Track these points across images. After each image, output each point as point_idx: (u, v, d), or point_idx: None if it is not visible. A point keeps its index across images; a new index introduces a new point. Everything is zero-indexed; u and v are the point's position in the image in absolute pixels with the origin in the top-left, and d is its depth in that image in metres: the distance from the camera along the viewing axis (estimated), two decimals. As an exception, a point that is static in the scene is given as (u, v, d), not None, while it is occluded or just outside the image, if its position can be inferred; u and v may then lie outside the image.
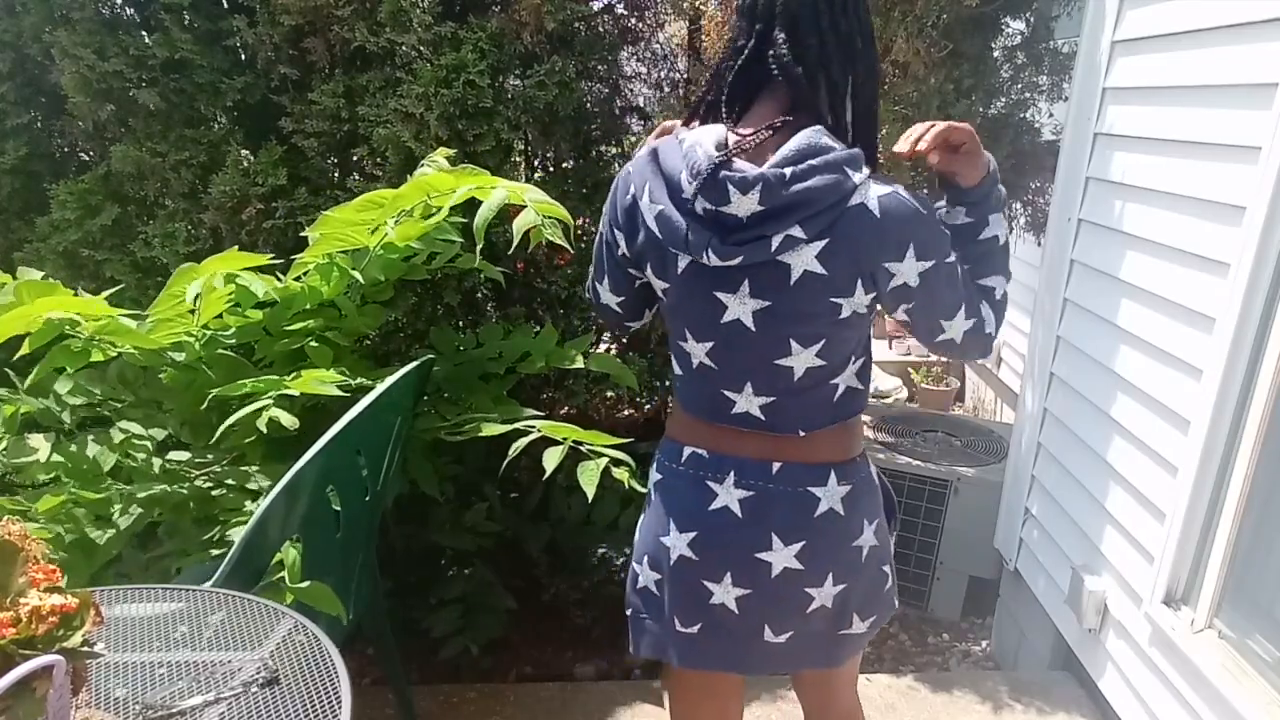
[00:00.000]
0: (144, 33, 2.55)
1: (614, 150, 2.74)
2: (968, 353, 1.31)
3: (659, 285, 1.28)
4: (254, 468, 1.80)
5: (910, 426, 3.33)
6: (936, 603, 3.06)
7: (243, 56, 2.59)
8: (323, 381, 1.69)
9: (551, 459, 1.75)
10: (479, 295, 2.71)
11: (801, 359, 1.22)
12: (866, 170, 1.16)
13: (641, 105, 2.92)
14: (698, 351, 1.27)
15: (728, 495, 1.27)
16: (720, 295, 1.21)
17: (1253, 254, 1.71)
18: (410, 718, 2.25)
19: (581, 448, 1.81)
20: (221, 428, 1.64)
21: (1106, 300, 2.26)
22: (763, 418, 1.26)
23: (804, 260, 1.15)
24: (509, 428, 1.85)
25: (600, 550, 2.87)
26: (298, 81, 2.55)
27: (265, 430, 1.62)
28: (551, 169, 2.84)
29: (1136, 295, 2.13)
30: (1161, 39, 2.06)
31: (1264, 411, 1.75)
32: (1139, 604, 2.07)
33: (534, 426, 1.84)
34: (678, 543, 1.30)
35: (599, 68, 2.65)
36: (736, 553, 1.28)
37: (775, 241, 1.13)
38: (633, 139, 2.60)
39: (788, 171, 1.12)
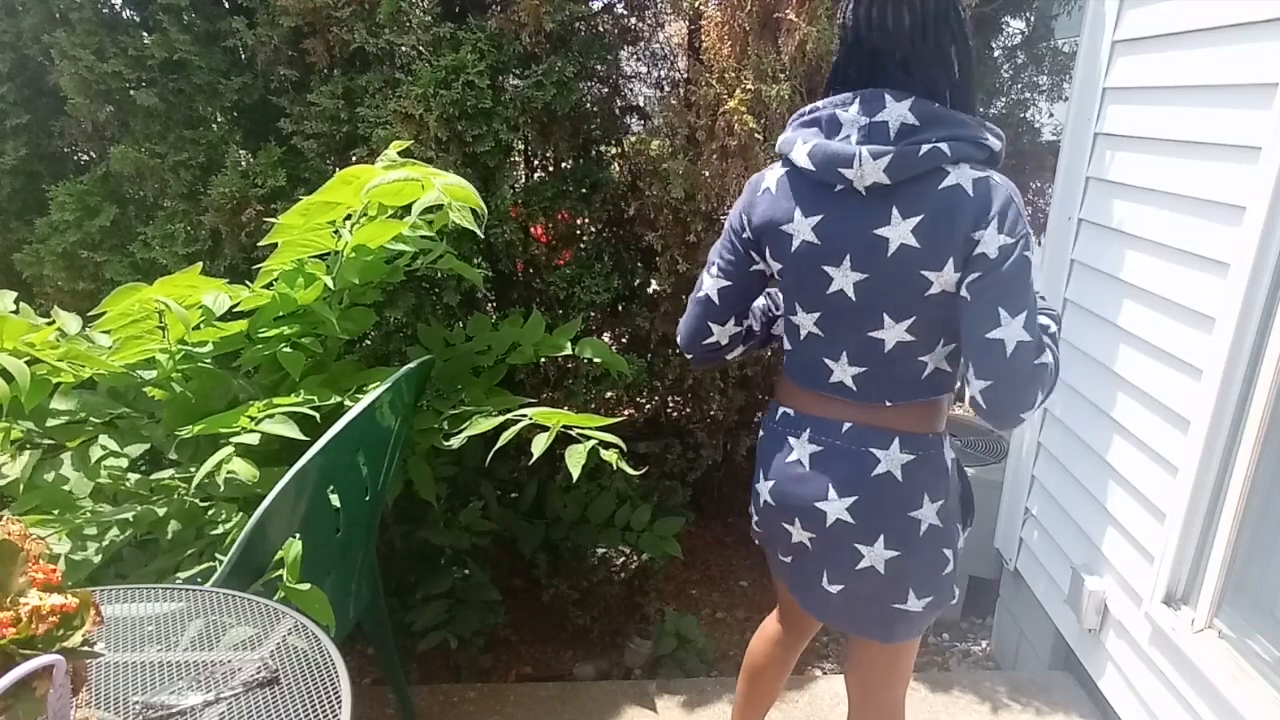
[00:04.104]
0: (143, 33, 2.55)
1: (613, 150, 2.74)
2: (1011, 384, 1.23)
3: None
4: (234, 474, 1.78)
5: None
6: (936, 603, 3.06)
7: (242, 57, 2.59)
8: (284, 419, 1.66)
9: (539, 444, 1.74)
10: (479, 295, 2.71)
11: (893, 333, 1.32)
12: None
13: (641, 105, 2.92)
14: (806, 323, 1.39)
15: (801, 449, 1.42)
16: (826, 269, 1.32)
17: (1253, 254, 1.71)
18: (410, 718, 2.25)
19: (572, 432, 1.80)
20: (197, 478, 1.61)
21: (1107, 300, 2.26)
22: (854, 387, 1.37)
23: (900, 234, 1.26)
24: (501, 419, 1.85)
25: (600, 550, 2.87)
26: (297, 82, 2.55)
27: (223, 487, 1.61)
28: (551, 169, 2.84)
29: (1137, 295, 2.13)
30: (1161, 39, 2.06)
31: (1264, 411, 1.75)
32: (1139, 604, 2.07)
33: (525, 415, 1.84)
34: (763, 489, 1.49)
35: (598, 67, 2.65)
36: (801, 501, 1.42)
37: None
38: (632, 139, 2.60)
39: None
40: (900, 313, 1.30)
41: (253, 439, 1.63)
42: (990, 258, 1.21)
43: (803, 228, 1.32)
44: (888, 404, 1.37)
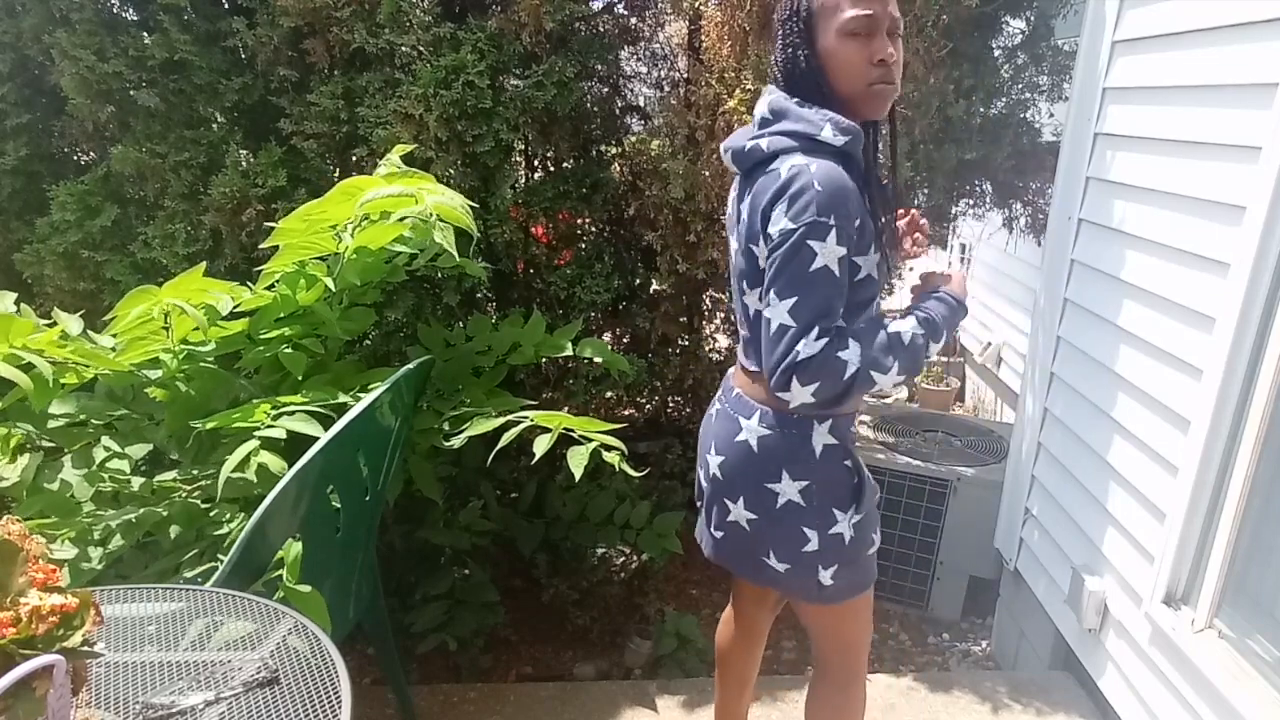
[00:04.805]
0: (143, 34, 2.55)
1: (614, 150, 2.74)
2: (768, 362, 1.30)
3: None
4: (265, 465, 1.78)
5: (910, 426, 3.33)
6: (936, 603, 3.06)
7: (242, 57, 2.59)
8: (305, 417, 1.68)
9: (541, 445, 1.74)
10: (479, 295, 2.71)
11: (749, 299, 1.43)
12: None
13: (641, 105, 2.92)
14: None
15: (715, 405, 1.59)
16: (730, 237, 1.49)
17: (1253, 254, 1.71)
18: (410, 718, 2.25)
19: (574, 434, 1.80)
20: (224, 472, 1.60)
21: (1107, 300, 2.26)
22: (743, 350, 1.53)
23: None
24: (502, 420, 1.85)
25: (599, 550, 2.87)
26: (297, 82, 2.55)
27: (255, 479, 1.61)
28: (551, 169, 2.84)
29: (1137, 295, 2.13)
30: (1161, 39, 2.06)
31: (1264, 411, 1.75)
32: (1139, 604, 2.07)
33: (526, 416, 1.84)
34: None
35: (598, 67, 2.65)
36: (702, 449, 1.59)
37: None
38: (633, 139, 2.60)
39: None
40: (752, 281, 1.41)
41: (278, 433, 1.65)
42: (773, 238, 1.29)
43: (731, 201, 1.51)
44: (754, 369, 1.47)
